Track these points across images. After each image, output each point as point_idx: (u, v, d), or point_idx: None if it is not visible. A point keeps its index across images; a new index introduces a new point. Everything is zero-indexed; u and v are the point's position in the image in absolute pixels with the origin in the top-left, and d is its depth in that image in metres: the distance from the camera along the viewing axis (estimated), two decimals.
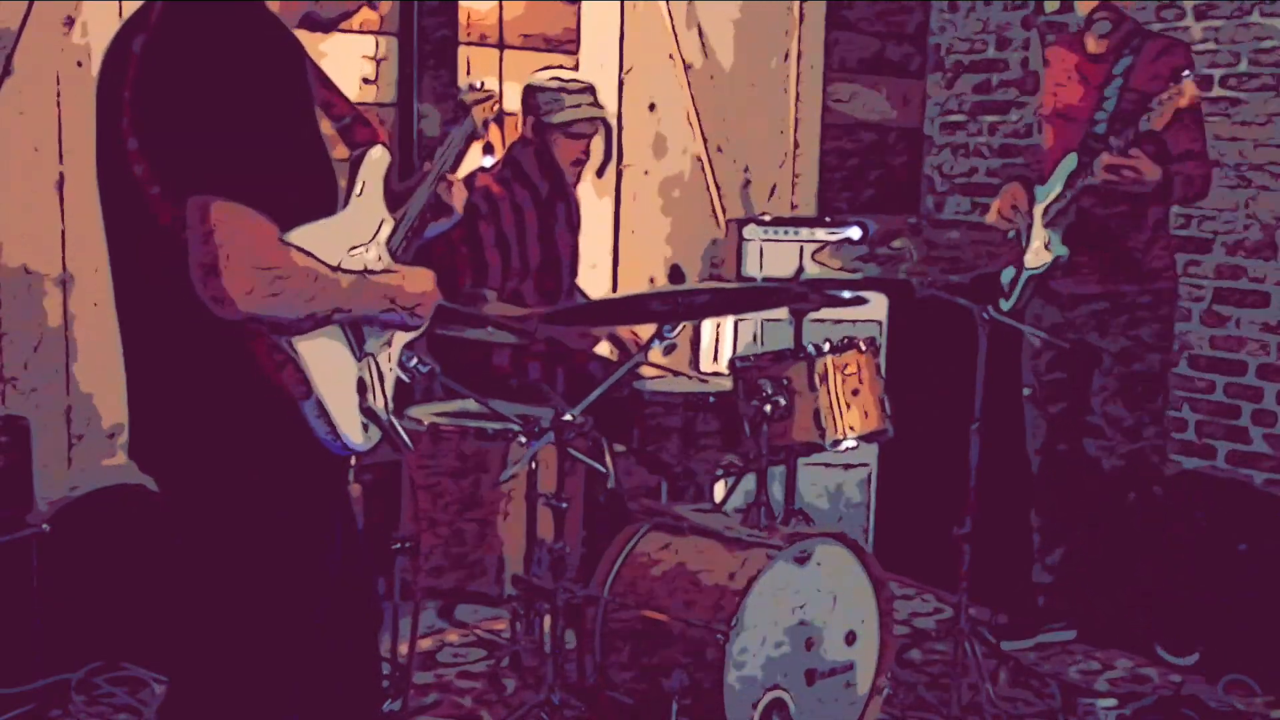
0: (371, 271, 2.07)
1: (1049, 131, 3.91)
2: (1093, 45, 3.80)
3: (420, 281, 2.13)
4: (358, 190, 2.09)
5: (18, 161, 3.50)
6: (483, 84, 2.63)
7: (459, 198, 2.49)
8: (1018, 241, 3.81)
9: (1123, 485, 3.84)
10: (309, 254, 1.91)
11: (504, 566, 3.06)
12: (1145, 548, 3.88)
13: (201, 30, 1.87)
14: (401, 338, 2.21)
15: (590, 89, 3.92)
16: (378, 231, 2.14)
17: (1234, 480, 4.47)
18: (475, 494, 3.06)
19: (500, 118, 4.02)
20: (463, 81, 3.98)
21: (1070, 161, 3.69)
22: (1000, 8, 5.38)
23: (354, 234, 2.07)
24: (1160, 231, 3.81)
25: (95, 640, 3.36)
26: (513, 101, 4.09)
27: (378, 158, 2.13)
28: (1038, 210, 3.79)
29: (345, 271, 1.99)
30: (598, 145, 4.05)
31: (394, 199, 2.24)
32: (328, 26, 2.15)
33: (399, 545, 3.06)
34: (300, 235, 1.92)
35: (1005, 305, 3.89)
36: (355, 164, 2.10)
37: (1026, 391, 3.99)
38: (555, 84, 3.87)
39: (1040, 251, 3.78)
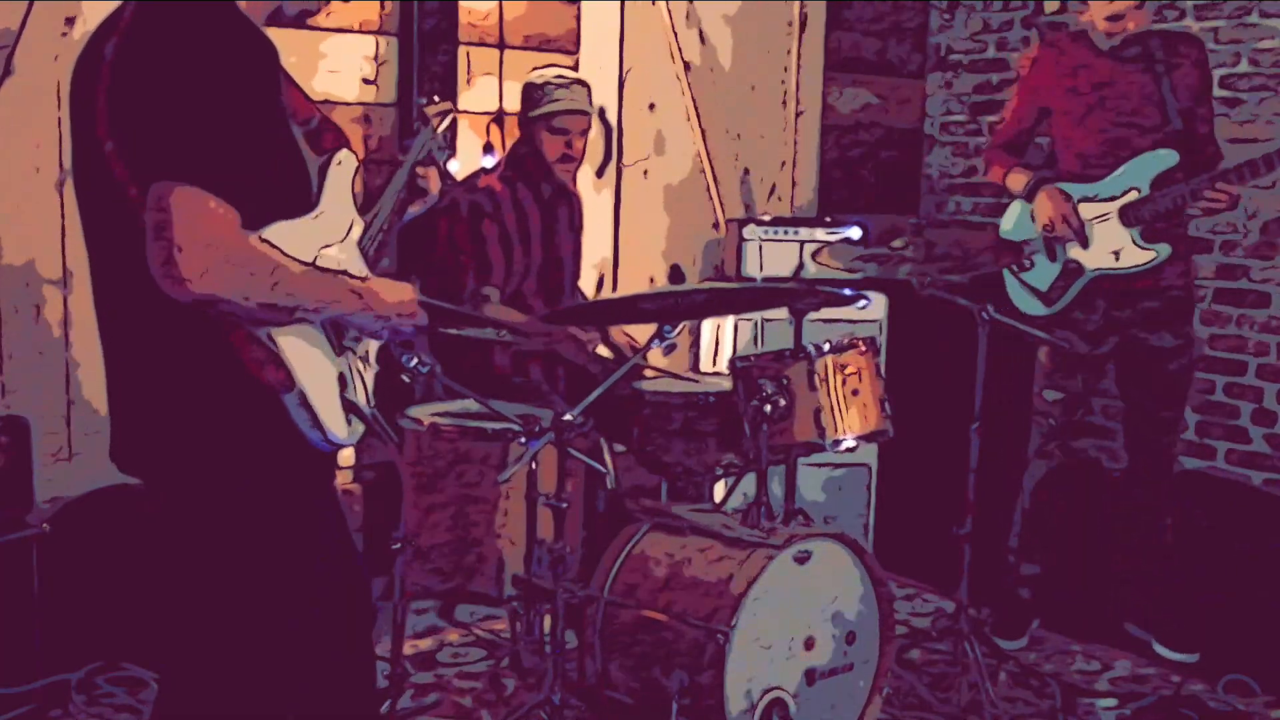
0: (351, 275, 2.07)
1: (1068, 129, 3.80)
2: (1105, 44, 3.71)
3: (398, 292, 2.11)
4: (326, 193, 2.09)
5: (18, 161, 3.50)
6: (438, 98, 2.71)
7: (434, 185, 2.52)
8: (1014, 244, 3.78)
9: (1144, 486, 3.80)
10: (273, 245, 1.91)
11: (504, 566, 3.06)
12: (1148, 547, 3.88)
13: (173, 31, 1.87)
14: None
15: (578, 83, 3.91)
16: (348, 233, 2.15)
17: (1234, 480, 4.47)
18: (475, 494, 3.06)
19: (500, 118, 4.03)
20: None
21: (1158, 160, 3.63)
22: (1000, 8, 5.38)
23: (324, 235, 2.08)
24: None
25: (95, 640, 3.36)
26: (513, 102, 4.09)
27: (344, 161, 2.14)
28: (1111, 209, 3.67)
29: (316, 267, 1.99)
30: (596, 147, 4.04)
31: (365, 201, 2.26)
32: (294, 22, 2.16)
33: (399, 545, 3.07)
34: (273, 233, 1.93)
35: (1043, 310, 3.78)
36: (323, 168, 2.11)
37: (1055, 396, 3.86)
38: (541, 79, 3.88)
39: (1132, 251, 3.66)
